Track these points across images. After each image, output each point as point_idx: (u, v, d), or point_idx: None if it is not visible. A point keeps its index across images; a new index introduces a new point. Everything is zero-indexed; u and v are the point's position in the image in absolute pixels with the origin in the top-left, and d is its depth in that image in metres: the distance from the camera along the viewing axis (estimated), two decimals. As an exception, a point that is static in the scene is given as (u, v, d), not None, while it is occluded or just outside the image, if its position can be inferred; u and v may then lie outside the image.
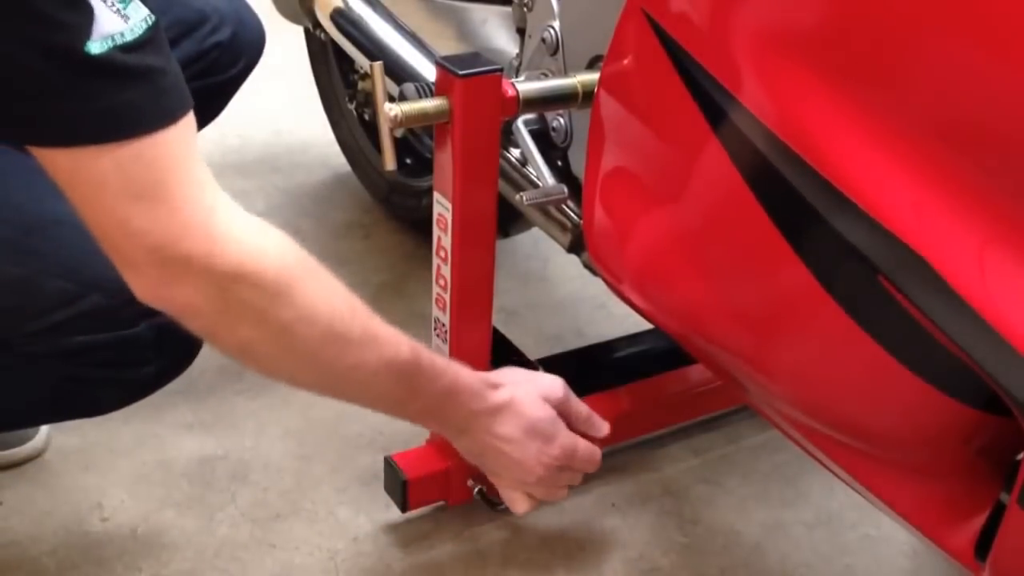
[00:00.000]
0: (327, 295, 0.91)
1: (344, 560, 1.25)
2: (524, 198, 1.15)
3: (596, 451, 1.17)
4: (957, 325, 0.73)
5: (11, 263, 1.00)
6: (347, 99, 1.83)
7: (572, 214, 1.19)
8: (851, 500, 1.32)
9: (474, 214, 1.10)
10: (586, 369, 1.40)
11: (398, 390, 1.00)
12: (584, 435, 1.17)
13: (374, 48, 1.44)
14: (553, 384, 1.15)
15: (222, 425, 1.42)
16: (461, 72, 1.02)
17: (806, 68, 0.79)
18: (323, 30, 1.58)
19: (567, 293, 1.75)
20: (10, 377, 1.05)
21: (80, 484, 1.31)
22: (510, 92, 1.07)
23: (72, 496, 1.30)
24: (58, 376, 1.06)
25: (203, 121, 1.37)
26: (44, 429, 1.35)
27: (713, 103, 0.86)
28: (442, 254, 1.13)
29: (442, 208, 1.11)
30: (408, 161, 1.76)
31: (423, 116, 1.04)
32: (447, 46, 1.46)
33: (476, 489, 1.25)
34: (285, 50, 1.90)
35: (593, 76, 1.08)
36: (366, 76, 1.66)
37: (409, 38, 1.43)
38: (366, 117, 1.79)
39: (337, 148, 1.95)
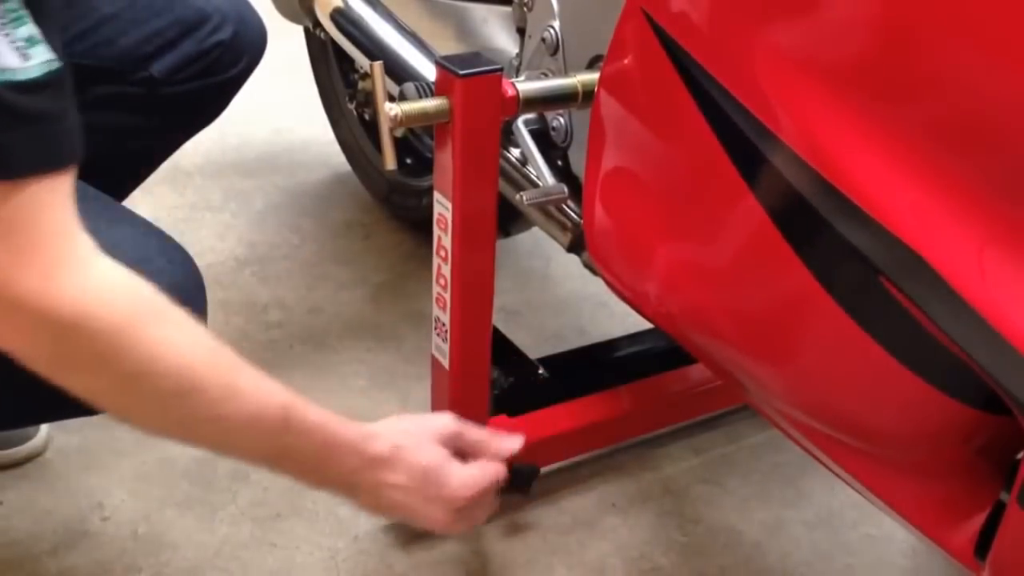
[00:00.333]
0: (180, 345, 0.86)
1: (345, 559, 1.25)
2: (524, 198, 1.15)
3: (494, 479, 1.09)
4: (957, 325, 0.73)
5: None
6: (347, 99, 1.83)
7: (572, 214, 1.20)
8: (851, 499, 1.32)
9: (474, 214, 1.10)
10: (587, 368, 1.41)
11: (265, 447, 0.94)
12: (495, 458, 1.11)
13: (374, 48, 1.44)
14: (442, 422, 1.09)
15: (223, 424, 1.42)
16: (461, 72, 1.02)
17: (807, 69, 0.79)
18: (323, 30, 1.58)
19: (568, 292, 1.75)
20: (9, 373, 1.05)
21: (81, 483, 1.32)
22: (510, 92, 1.07)
23: (73, 495, 1.30)
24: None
25: (204, 121, 1.37)
26: (44, 428, 1.36)
27: (713, 103, 0.86)
28: (442, 254, 1.13)
29: (442, 208, 1.11)
30: (408, 161, 1.77)
31: (423, 116, 1.04)
32: (447, 46, 1.46)
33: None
34: (285, 50, 1.90)
35: (593, 76, 1.08)
36: (366, 76, 1.66)
37: (409, 38, 1.43)
38: (366, 117, 1.79)
39: (337, 148, 1.95)
